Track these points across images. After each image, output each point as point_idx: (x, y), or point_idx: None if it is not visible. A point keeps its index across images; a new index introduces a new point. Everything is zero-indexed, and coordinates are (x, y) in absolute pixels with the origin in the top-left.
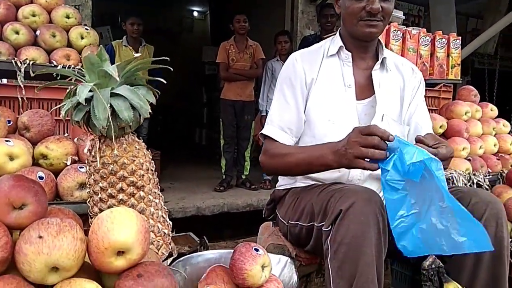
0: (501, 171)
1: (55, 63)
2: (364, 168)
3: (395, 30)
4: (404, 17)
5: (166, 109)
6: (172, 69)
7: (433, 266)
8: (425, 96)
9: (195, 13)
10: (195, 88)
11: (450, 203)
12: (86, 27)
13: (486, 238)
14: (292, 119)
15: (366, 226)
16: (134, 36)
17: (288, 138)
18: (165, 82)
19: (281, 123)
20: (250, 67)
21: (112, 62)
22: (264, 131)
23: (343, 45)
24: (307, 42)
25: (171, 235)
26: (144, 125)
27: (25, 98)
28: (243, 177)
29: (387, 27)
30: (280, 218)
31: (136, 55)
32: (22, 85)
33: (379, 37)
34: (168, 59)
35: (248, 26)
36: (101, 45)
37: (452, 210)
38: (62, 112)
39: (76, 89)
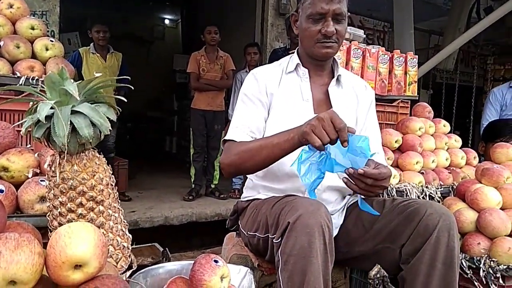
0: (452, 184)
1: (18, 74)
2: (314, 145)
3: (356, 48)
4: (364, 36)
5: (136, 116)
6: (133, 88)
7: (378, 275)
8: (384, 112)
9: (167, 21)
10: (166, 96)
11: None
12: (51, 38)
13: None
14: (252, 123)
15: (312, 238)
16: (100, 44)
17: (249, 138)
18: (124, 100)
19: (241, 127)
20: (220, 78)
21: (80, 70)
22: (226, 136)
23: (300, 62)
24: (276, 54)
25: (130, 248)
26: (112, 133)
27: None
28: (212, 186)
29: (348, 45)
30: (241, 229)
31: (97, 75)
32: None
33: (334, 56)
34: (129, 78)
35: (219, 38)
36: (62, 66)
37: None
38: (23, 129)
39: (37, 107)
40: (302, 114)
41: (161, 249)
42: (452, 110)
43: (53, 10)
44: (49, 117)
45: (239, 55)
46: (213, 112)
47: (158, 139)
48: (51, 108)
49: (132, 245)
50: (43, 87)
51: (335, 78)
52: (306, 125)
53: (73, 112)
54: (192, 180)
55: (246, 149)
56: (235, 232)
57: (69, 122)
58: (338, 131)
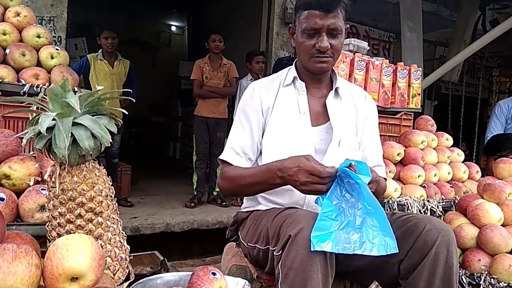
0: (454, 198)
1: (23, 82)
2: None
3: (359, 60)
4: (368, 48)
5: (141, 121)
6: (134, 101)
7: None
8: (387, 124)
9: (173, 28)
10: (171, 102)
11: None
12: (56, 47)
13: (393, 242)
14: (247, 143)
15: (313, 251)
16: (109, 50)
17: (243, 161)
18: (126, 113)
19: (236, 148)
20: (224, 85)
21: (87, 76)
22: (221, 156)
23: (297, 75)
24: (280, 63)
25: (128, 259)
26: (116, 139)
27: None
28: (214, 193)
29: (351, 57)
30: (241, 240)
31: (99, 87)
32: None
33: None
34: (131, 91)
35: (223, 46)
36: (65, 78)
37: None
38: (24, 140)
39: (38, 118)
40: (300, 127)
41: (161, 258)
42: (456, 121)
43: (60, 16)
44: (50, 129)
45: (244, 63)
46: (216, 119)
47: (162, 145)
48: (53, 119)
49: (132, 252)
50: (44, 97)
51: (333, 90)
52: (295, 186)
53: (74, 124)
54: (194, 187)
55: (240, 179)
56: (235, 243)
57: (70, 134)
58: (329, 177)
